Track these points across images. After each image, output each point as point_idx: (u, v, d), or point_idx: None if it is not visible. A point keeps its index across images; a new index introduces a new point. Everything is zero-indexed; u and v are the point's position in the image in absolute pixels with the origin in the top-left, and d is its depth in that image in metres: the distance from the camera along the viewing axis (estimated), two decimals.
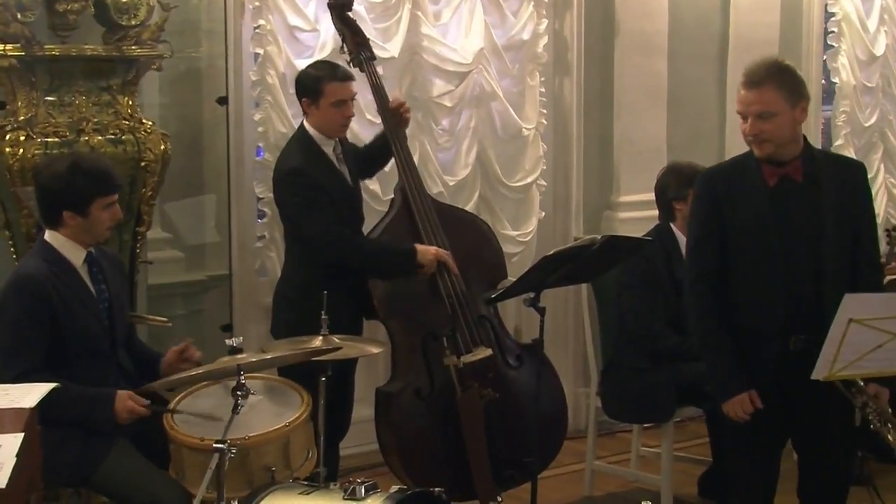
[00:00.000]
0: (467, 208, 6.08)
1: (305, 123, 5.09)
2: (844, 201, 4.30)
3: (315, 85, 5.01)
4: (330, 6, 5.36)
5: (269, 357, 4.12)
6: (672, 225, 5.54)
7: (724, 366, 4.29)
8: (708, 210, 4.35)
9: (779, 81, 4.27)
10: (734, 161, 4.53)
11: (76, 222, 4.19)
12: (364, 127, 5.70)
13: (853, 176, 4.42)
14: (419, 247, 5.03)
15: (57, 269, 4.18)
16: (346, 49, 5.34)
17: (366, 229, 5.26)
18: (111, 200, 4.24)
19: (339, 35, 5.38)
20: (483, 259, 5.37)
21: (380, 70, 5.43)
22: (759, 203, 4.27)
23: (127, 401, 4.11)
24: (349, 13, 5.35)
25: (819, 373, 3.87)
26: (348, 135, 5.27)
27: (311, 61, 5.63)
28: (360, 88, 5.26)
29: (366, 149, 5.44)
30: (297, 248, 5.10)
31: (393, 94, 5.48)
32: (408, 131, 5.49)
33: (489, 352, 5.08)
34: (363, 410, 5.29)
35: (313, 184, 4.94)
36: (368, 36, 5.42)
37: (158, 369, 4.40)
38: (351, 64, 5.29)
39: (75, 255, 4.24)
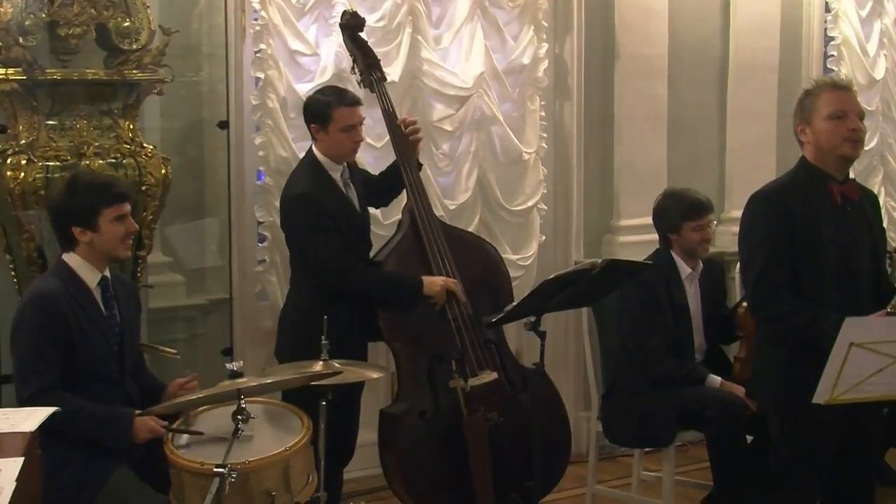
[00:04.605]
0: None
1: (314, 149, 5.09)
2: (877, 225, 4.46)
3: (324, 110, 5.02)
4: (342, 27, 5.38)
5: (269, 381, 4.12)
6: (671, 251, 5.54)
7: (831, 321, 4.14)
8: (779, 228, 4.35)
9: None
10: (791, 179, 4.51)
11: (87, 238, 4.21)
12: (364, 151, 5.67)
13: (875, 202, 4.63)
14: (426, 279, 5.02)
15: (73, 289, 4.20)
16: (356, 70, 5.36)
17: (371, 253, 5.26)
18: (121, 212, 4.26)
19: (350, 56, 5.40)
20: (490, 283, 5.36)
21: None
22: (832, 222, 4.33)
23: (148, 421, 4.11)
24: (360, 34, 5.37)
25: (820, 397, 3.87)
26: None
27: (311, 85, 5.67)
28: (367, 110, 5.27)
29: (380, 177, 5.44)
30: (302, 272, 5.10)
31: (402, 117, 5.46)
32: None
33: (494, 375, 5.05)
34: (365, 434, 5.27)
35: (320, 210, 4.94)
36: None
37: (160, 399, 4.39)
38: (361, 85, 5.31)
39: (90, 276, 4.26)
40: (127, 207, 4.30)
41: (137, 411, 4.16)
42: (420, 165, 5.44)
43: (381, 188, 5.41)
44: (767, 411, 4.66)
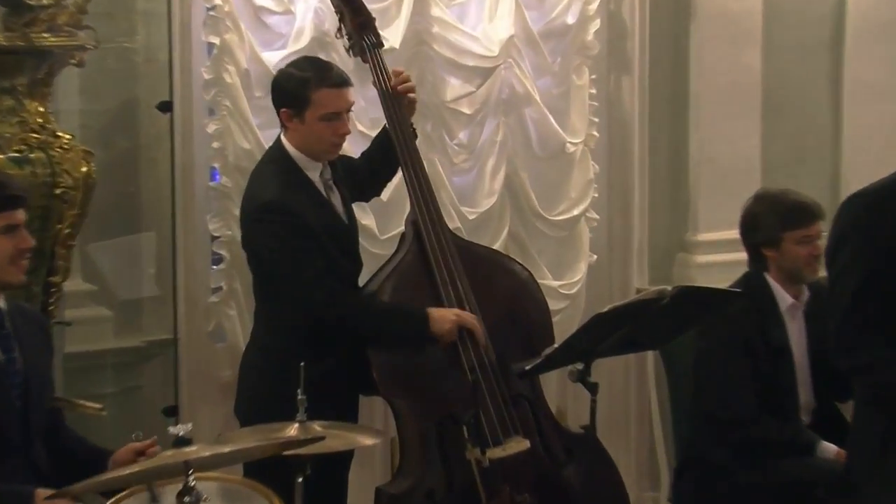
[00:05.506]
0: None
1: (283, 140, 5.10)
2: None
3: (300, 91, 5.02)
4: None
5: (226, 451, 4.11)
6: (766, 274, 5.53)
7: None
8: (879, 245, 4.37)
9: None
10: None
11: None
12: (355, 142, 5.67)
13: None
14: (434, 312, 5.01)
15: None
16: (343, 33, 5.37)
17: (364, 278, 5.28)
18: (9, 221, 4.22)
19: (337, 13, 5.43)
20: (522, 318, 5.36)
21: None
22: None
23: (56, 501, 4.04)
24: None
25: None
26: None
27: (283, 54, 5.68)
28: (358, 88, 5.28)
29: (364, 158, 5.47)
30: (270, 304, 5.11)
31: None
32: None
33: (525, 444, 5.03)
34: None
35: (295, 223, 4.94)
36: None
37: (105, 469, 4.36)
38: (350, 52, 5.34)
39: None
40: (19, 216, 4.26)
41: (45, 491, 4.14)
42: (414, 133, 5.43)
43: (367, 173, 5.43)
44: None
